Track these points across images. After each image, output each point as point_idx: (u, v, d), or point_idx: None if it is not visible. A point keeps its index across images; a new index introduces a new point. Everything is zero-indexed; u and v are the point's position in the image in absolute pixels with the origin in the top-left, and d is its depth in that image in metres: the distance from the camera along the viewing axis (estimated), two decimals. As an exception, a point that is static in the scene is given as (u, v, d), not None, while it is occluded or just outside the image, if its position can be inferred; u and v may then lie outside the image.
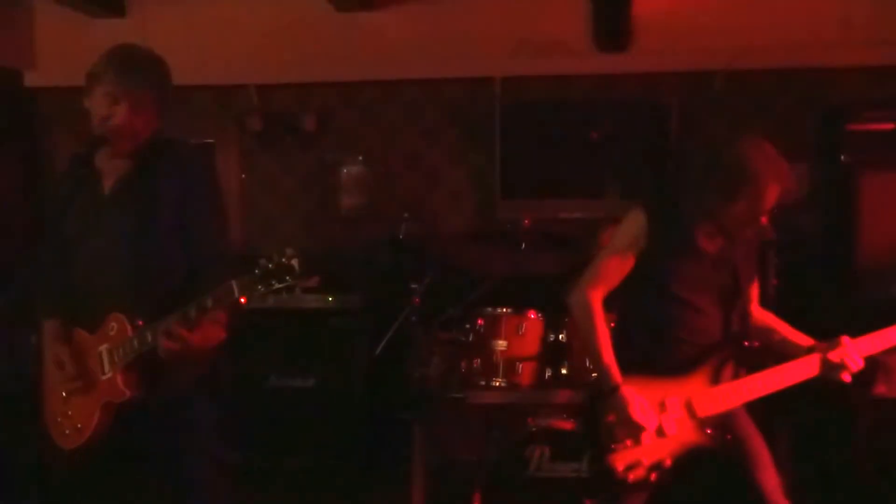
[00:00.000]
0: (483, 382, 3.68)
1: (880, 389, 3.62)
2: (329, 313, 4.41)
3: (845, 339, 2.62)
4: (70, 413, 2.51)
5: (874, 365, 3.56)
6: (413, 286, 4.03)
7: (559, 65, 4.78)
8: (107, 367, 2.44)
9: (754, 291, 2.86)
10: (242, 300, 2.16)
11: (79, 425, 2.49)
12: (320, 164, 5.09)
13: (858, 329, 2.68)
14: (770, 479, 2.63)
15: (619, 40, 4.66)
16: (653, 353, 2.70)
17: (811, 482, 3.77)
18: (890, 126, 3.91)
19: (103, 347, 2.45)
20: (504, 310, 3.76)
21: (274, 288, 2.12)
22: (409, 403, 3.77)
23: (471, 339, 3.75)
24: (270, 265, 2.12)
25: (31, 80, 5.13)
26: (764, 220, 2.63)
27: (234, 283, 2.17)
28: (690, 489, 2.76)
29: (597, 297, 2.69)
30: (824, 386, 3.37)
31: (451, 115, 4.95)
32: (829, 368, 2.62)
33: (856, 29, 4.53)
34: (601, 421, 2.62)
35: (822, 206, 4.33)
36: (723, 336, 2.70)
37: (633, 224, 2.69)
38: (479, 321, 3.75)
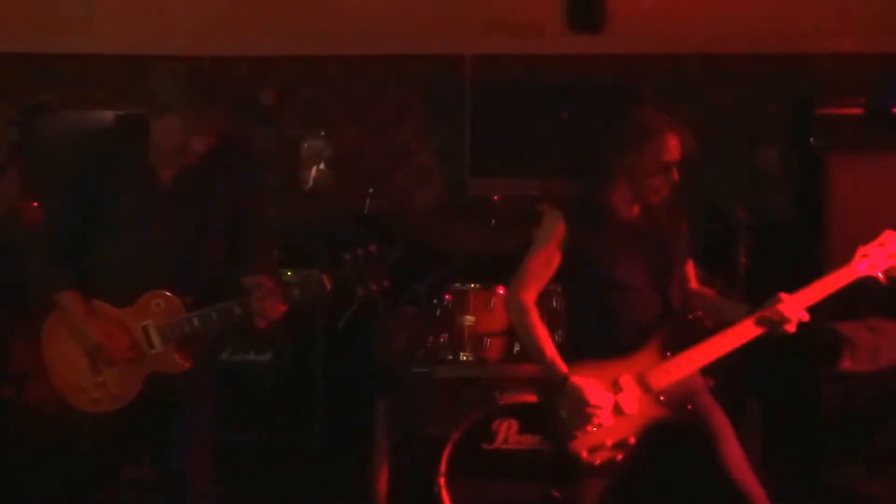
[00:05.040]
0: (450, 357, 3.65)
1: (846, 364, 3.68)
2: (288, 286, 4.32)
3: (782, 294, 2.66)
4: (102, 381, 2.60)
5: (840, 341, 3.63)
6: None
7: (532, 44, 4.79)
8: (156, 341, 2.58)
9: (690, 270, 2.92)
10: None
11: (115, 393, 2.60)
12: (280, 138, 4.98)
13: (827, 310, 2.72)
14: (734, 453, 2.66)
15: (594, 21, 4.68)
16: (600, 338, 2.74)
17: (778, 457, 3.79)
18: (859, 111, 4.00)
19: (149, 323, 2.58)
20: (472, 285, 3.74)
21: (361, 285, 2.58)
22: (372, 379, 3.71)
23: (438, 314, 3.72)
24: (358, 262, 2.55)
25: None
26: (674, 176, 2.71)
27: (324, 277, 2.55)
28: (655, 468, 2.76)
29: (529, 298, 2.77)
30: (792, 362, 3.40)
31: (419, 93, 4.91)
32: (772, 325, 2.65)
33: (826, 16, 4.65)
34: (557, 413, 2.64)
35: (793, 189, 4.43)
36: (664, 311, 2.75)
37: (550, 221, 2.79)
38: (447, 296, 3.73)
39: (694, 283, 2.93)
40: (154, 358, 2.59)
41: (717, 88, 4.76)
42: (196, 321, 2.55)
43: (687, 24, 4.68)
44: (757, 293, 2.92)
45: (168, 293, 2.57)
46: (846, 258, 3.64)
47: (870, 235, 3.18)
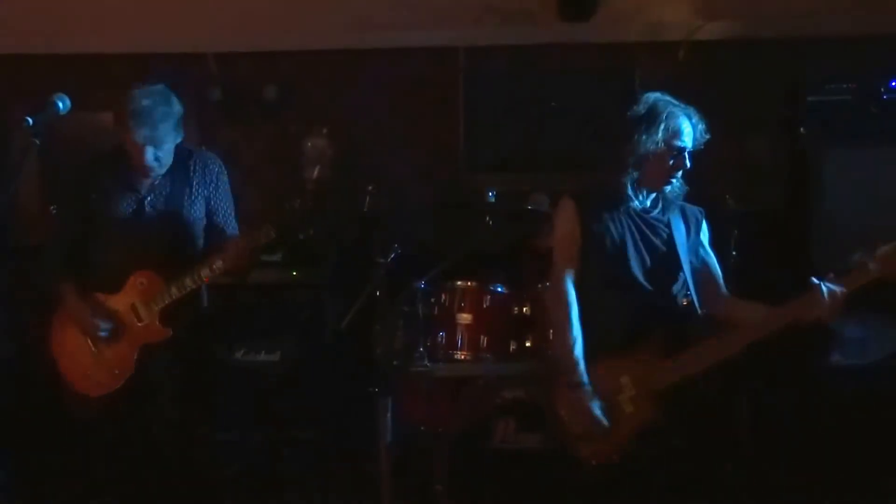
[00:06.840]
0: (447, 355, 3.63)
1: (836, 358, 3.69)
2: (293, 287, 4.37)
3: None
4: (102, 364, 2.97)
5: (830, 334, 3.63)
6: (378, 259, 3.99)
7: (523, 34, 4.72)
8: (143, 314, 2.95)
9: (717, 274, 2.86)
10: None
11: (116, 371, 2.96)
12: (283, 135, 4.99)
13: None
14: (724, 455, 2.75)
15: (584, 9, 4.62)
16: (604, 334, 2.73)
17: (770, 452, 3.81)
18: (849, 98, 3.91)
19: (136, 300, 2.96)
20: (469, 283, 3.70)
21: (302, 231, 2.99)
22: (374, 377, 3.75)
23: (435, 312, 3.70)
24: (297, 211, 2.93)
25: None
26: (685, 162, 2.71)
27: (270, 226, 2.86)
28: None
29: (570, 286, 2.76)
30: (782, 357, 3.40)
31: (414, 86, 4.87)
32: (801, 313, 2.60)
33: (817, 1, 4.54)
34: (556, 411, 2.69)
35: (783, 178, 4.35)
36: (670, 308, 2.73)
37: (563, 209, 2.81)
38: (444, 294, 3.71)
39: (722, 290, 2.85)
40: (142, 330, 2.97)
41: (707, 76, 4.64)
42: (174, 289, 2.93)
43: (676, 10, 4.62)
44: (747, 286, 2.93)
45: (150, 272, 2.96)
46: (839, 250, 3.64)
47: (862, 225, 3.16)
